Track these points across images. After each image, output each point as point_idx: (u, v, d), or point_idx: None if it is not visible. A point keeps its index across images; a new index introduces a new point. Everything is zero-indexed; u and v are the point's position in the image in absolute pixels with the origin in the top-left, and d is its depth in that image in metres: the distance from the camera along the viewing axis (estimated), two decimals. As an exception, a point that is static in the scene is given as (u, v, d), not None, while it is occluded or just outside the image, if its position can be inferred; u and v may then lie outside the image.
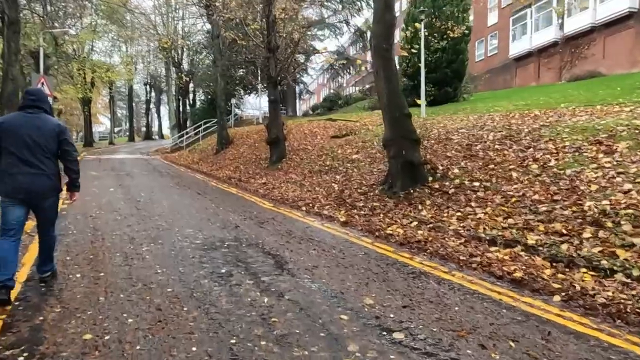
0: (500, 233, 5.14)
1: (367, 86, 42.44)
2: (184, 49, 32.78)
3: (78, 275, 3.67)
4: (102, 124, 68.83)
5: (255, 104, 42.97)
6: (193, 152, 22.49)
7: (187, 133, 27.84)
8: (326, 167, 10.60)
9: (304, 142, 14.55)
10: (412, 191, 7.21)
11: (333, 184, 9.19)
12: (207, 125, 27.68)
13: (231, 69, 27.78)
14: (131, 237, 5.17)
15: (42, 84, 12.04)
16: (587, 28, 22.69)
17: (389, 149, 7.72)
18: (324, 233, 5.86)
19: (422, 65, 16.21)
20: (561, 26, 24.83)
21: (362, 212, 7.02)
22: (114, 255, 4.38)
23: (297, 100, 44.48)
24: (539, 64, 26.89)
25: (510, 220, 5.39)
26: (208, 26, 31.56)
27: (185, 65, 34.08)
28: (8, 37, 12.99)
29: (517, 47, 28.14)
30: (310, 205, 8.00)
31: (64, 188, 3.74)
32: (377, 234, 5.83)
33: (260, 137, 18.39)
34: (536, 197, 5.74)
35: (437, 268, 4.34)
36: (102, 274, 3.73)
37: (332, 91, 46.97)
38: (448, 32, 17.32)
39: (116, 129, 58.71)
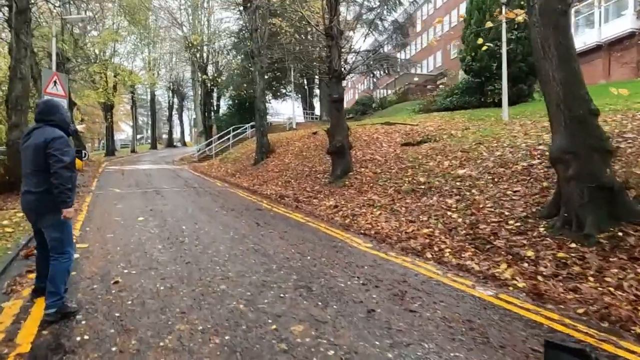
0: None
1: (403, 88, 39.65)
2: (210, 51, 30.67)
3: None
4: (123, 131, 67.86)
5: (276, 109, 40.87)
6: (225, 161, 20.09)
7: (219, 139, 25.54)
8: (422, 186, 7.93)
9: (368, 150, 11.92)
10: (620, 234, 4.50)
11: (448, 212, 6.52)
12: (237, 132, 25.40)
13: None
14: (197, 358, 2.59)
15: (55, 82, 9.75)
16: (677, 15, 19.57)
17: (564, 164, 5.02)
18: (544, 331, 3.19)
19: (504, 55, 13.40)
20: (639, 15, 21.73)
21: (544, 270, 4.33)
22: None
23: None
24: (609, 58, 23.75)
25: None
26: (234, 28, 29.53)
27: (210, 69, 31.96)
28: (17, 28, 10.79)
29: (580, 41, 24.96)
30: (435, 249, 5.36)
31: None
32: (633, 329, 3.14)
33: (305, 145, 15.88)
34: None
35: None
36: None
37: (364, 94, 44.45)
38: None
39: (137, 136, 57.24)
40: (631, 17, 21.92)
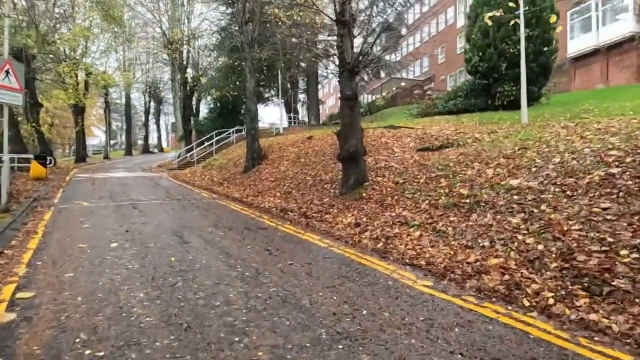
0: None
1: (391, 92, 38.56)
2: (190, 50, 28.76)
3: None
4: (96, 137, 64.69)
5: (259, 114, 39.32)
6: (209, 169, 18.29)
7: (200, 145, 23.70)
8: (466, 200, 6.48)
9: (379, 157, 10.45)
10: None
11: (517, 235, 5.07)
12: (220, 136, 23.65)
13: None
14: None
15: (7, 72, 7.90)
16: (681, 17, 19.00)
17: None
18: None
19: (522, 51, 12.16)
20: None
21: None
22: None
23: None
24: (607, 62, 23.15)
25: None
26: (217, 24, 27.73)
27: (190, 70, 30.02)
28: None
29: (576, 45, 24.41)
30: (529, 292, 3.89)
31: None
32: None
33: (301, 151, 14.32)
34: None
35: None
36: None
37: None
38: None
39: (111, 142, 54.40)
40: (631, 20, 21.35)
